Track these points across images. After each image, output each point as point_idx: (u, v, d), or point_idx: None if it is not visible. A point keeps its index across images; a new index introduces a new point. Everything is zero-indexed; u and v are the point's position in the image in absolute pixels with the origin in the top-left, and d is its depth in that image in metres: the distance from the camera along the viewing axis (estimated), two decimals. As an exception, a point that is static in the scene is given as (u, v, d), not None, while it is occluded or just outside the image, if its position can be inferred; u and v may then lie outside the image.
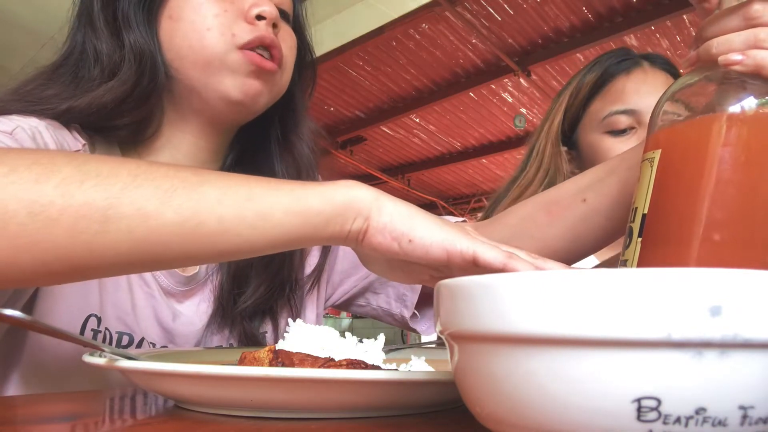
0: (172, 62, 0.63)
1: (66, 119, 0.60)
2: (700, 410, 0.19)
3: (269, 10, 0.62)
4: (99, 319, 0.58)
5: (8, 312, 0.34)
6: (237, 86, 0.62)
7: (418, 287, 0.74)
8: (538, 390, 0.21)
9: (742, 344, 0.18)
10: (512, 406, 0.22)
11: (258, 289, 0.68)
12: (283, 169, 0.73)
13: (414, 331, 0.78)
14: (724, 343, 0.18)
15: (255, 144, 0.74)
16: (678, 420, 0.19)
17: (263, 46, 0.62)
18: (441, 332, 0.26)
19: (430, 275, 0.46)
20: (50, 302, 0.56)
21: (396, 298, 0.76)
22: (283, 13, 0.68)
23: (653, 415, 0.19)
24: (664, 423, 0.19)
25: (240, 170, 0.69)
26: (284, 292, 0.71)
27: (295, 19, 0.73)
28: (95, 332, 0.58)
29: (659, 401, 0.19)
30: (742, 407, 0.19)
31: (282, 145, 0.74)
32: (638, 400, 0.19)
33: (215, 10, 0.61)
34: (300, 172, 0.74)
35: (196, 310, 0.67)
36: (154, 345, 0.63)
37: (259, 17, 0.62)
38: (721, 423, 0.19)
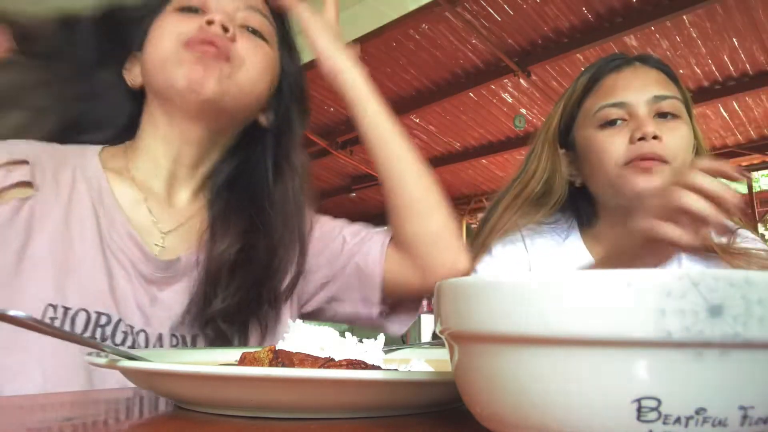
0: (146, 75, 0.72)
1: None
2: (700, 410, 0.19)
3: (217, 17, 0.69)
4: (55, 307, 0.60)
5: (11, 312, 0.34)
6: (183, 75, 0.67)
7: (378, 284, 0.75)
8: (538, 390, 0.21)
9: (742, 344, 0.18)
10: (512, 406, 0.22)
11: (235, 294, 0.69)
12: (274, 195, 0.78)
13: (387, 331, 0.78)
14: (725, 343, 0.18)
15: (250, 167, 0.80)
16: (678, 420, 0.19)
17: (208, 42, 0.68)
18: (441, 332, 0.26)
19: None
20: (8, 293, 0.59)
21: (361, 299, 0.77)
22: (254, 31, 0.74)
23: (653, 415, 0.19)
24: (664, 423, 0.19)
25: (232, 192, 0.77)
26: (261, 308, 0.72)
27: (282, 41, 0.80)
28: (52, 319, 0.60)
29: (659, 401, 0.19)
30: (742, 407, 0.19)
31: (275, 171, 0.79)
32: (638, 401, 0.19)
33: (171, 27, 0.70)
34: (289, 201, 0.78)
35: (175, 297, 0.68)
36: (132, 327, 0.64)
37: (209, 23, 0.69)
38: (721, 423, 0.19)
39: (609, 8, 3.25)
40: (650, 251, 0.67)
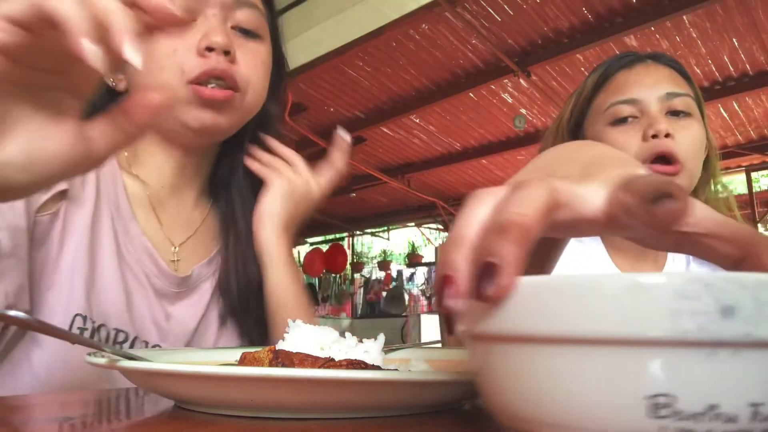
0: None
1: None
2: (712, 407, 0.19)
3: (218, 41, 0.63)
4: (84, 318, 0.60)
5: (12, 313, 0.34)
6: (194, 118, 0.65)
7: None
8: (556, 388, 0.21)
9: (753, 343, 0.19)
10: (531, 404, 0.22)
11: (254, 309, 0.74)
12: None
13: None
14: (737, 343, 0.19)
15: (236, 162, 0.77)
16: (690, 416, 0.19)
17: (215, 77, 0.64)
18: (463, 333, 0.26)
19: None
20: (41, 303, 0.59)
21: None
22: (246, 33, 0.69)
23: (667, 411, 0.19)
24: (678, 419, 0.19)
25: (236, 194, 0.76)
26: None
27: (272, 34, 0.74)
28: (81, 330, 0.60)
29: (673, 398, 0.19)
30: (752, 404, 0.19)
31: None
32: (653, 397, 0.19)
33: (166, 50, 0.63)
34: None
35: (188, 312, 0.70)
36: (147, 343, 0.65)
37: (209, 49, 0.63)
38: (732, 419, 0.19)
39: (609, 8, 3.25)
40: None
